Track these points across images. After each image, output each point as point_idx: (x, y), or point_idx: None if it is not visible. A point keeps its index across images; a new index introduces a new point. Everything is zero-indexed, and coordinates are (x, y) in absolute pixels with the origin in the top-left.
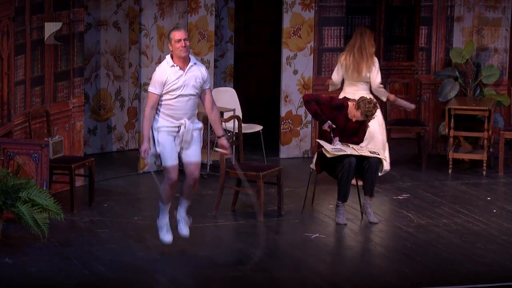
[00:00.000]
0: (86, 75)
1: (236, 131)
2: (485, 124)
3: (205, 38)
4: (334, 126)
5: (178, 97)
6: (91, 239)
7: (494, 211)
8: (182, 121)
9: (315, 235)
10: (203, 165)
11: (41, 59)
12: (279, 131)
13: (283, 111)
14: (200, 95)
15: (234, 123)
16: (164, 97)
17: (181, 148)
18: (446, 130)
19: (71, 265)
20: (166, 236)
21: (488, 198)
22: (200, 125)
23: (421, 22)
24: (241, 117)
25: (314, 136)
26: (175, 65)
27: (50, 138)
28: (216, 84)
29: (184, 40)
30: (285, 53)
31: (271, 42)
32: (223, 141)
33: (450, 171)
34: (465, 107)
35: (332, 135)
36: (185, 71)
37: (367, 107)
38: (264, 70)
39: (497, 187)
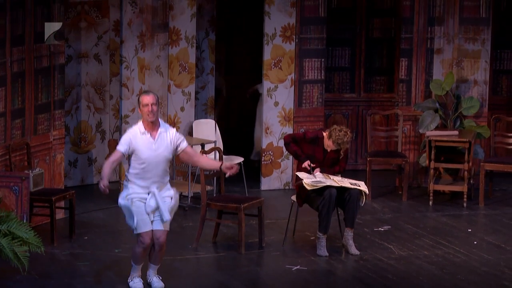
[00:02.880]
0: (67, 107)
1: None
2: (465, 156)
3: (186, 70)
4: (313, 165)
5: (147, 165)
6: (72, 271)
7: (475, 242)
8: (152, 189)
9: (296, 267)
10: (185, 197)
11: (21, 91)
12: (260, 163)
13: (264, 143)
14: (180, 155)
15: (215, 155)
16: (133, 163)
17: (151, 214)
18: (427, 162)
19: None
20: (137, 285)
21: (468, 230)
22: (171, 192)
23: (401, 54)
24: (222, 149)
25: (295, 168)
26: (146, 132)
27: (30, 171)
28: (197, 116)
29: (151, 105)
30: (266, 85)
31: (252, 74)
32: (226, 165)
33: (430, 202)
34: (445, 139)
35: (312, 173)
36: (155, 140)
37: (337, 135)
38: (245, 102)
39: (477, 218)
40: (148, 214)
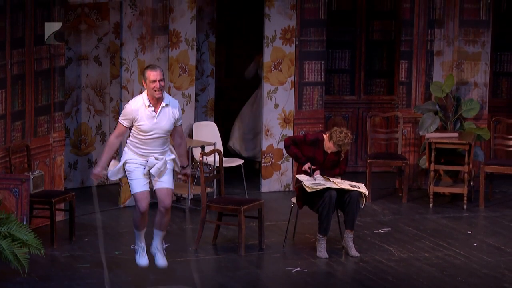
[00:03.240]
0: (67, 110)
1: (217, 165)
2: (465, 158)
3: (186, 72)
4: (314, 167)
5: (148, 137)
6: (72, 274)
7: (475, 244)
8: (151, 158)
9: (296, 269)
10: (184, 199)
11: (21, 93)
12: (260, 165)
13: (264, 145)
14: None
15: (215, 157)
16: (134, 132)
17: (152, 178)
18: (427, 164)
19: None
20: (142, 260)
21: (468, 232)
22: (172, 156)
23: (401, 56)
24: (222, 151)
25: (295, 170)
26: (150, 104)
27: (30, 173)
28: (197, 118)
29: (159, 81)
30: (266, 87)
31: (252, 76)
32: (187, 170)
33: (430, 204)
34: (445, 141)
35: (312, 175)
36: (157, 113)
37: (338, 137)
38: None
39: (477, 220)
40: (144, 176)
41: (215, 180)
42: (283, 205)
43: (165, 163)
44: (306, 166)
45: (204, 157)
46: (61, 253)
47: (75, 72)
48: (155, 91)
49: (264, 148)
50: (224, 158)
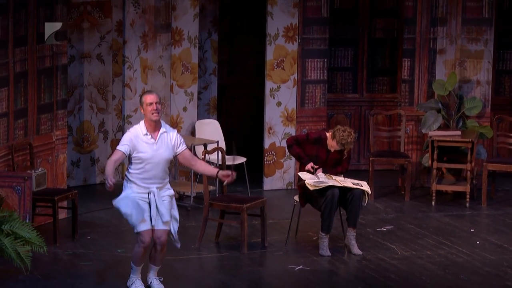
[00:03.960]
0: (70, 108)
1: (220, 163)
2: (468, 156)
3: (189, 70)
4: (316, 167)
5: (147, 166)
6: (74, 272)
7: (478, 242)
8: (152, 189)
9: (298, 267)
10: (187, 197)
11: (24, 91)
12: (262, 163)
13: (267, 143)
14: (178, 157)
15: (218, 155)
16: (134, 163)
17: (151, 213)
18: (429, 162)
19: None
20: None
21: (471, 230)
22: (171, 192)
23: (404, 54)
24: (224, 149)
25: (297, 168)
26: (148, 133)
27: (33, 171)
28: (200, 116)
29: (155, 103)
30: (269, 85)
31: (254, 74)
32: (222, 173)
33: (433, 202)
34: (448, 139)
35: (315, 173)
36: (156, 140)
37: (341, 136)
38: (248, 102)
39: (480, 218)
40: (146, 215)
41: (217, 178)
42: (285, 203)
43: (167, 205)
44: (309, 166)
45: (207, 155)
46: (63, 251)
47: (77, 70)
48: (152, 114)
49: (266, 146)
50: (226, 156)
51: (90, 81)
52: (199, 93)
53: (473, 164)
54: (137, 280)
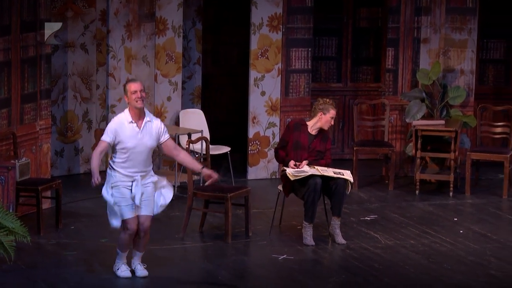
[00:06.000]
0: (53, 97)
1: (204, 152)
2: (451, 145)
3: (173, 60)
4: (299, 163)
5: (131, 154)
6: (58, 261)
7: (461, 232)
8: (136, 177)
9: (282, 257)
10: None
11: (7, 81)
12: (246, 152)
13: (251, 133)
14: (161, 146)
15: (202, 144)
16: (118, 151)
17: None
18: (413, 151)
19: (38, 287)
20: (124, 273)
21: (455, 219)
22: (155, 178)
23: (388, 43)
24: (208, 138)
25: None
26: (132, 121)
27: (16, 160)
28: (184, 106)
29: (140, 91)
30: (253, 74)
31: (238, 63)
32: (207, 171)
33: (417, 192)
34: (432, 128)
35: (298, 167)
36: (141, 129)
37: (323, 101)
38: (232, 92)
39: (463, 208)
40: (133, 200)
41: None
42: (269, 193)
43: (146, 187)
44: (291, 163)
45: (191, 144)
46: (47, 240)
47: (61, 59)
48: (136, 101)
49: (250, 136)
50: (211, 146)
51: (74, 70)
52: (183, 82)
53: (456, 153)
54: (122, 265)
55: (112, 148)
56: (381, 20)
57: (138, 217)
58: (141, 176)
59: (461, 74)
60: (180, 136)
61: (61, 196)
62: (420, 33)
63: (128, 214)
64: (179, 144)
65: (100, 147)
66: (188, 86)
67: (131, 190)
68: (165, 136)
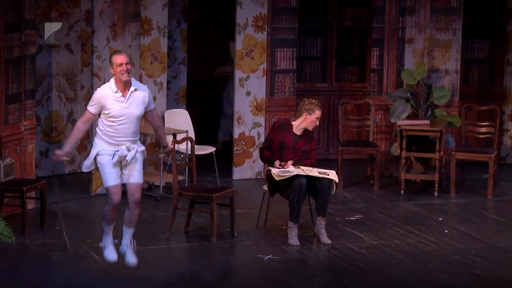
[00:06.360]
0: (38, 97)
1: (189, 152)
2: (436, 145)
3: (158, 60)
4: (284, 163)
5: (118, 124)
6: (43, 262)
7: (446, 231)
8: (123, 146)
9: (268, 257)
10: (156, 187)
11: None
12: (232, 152)
13: (236, 133)
14: (146, 114)
15: (187, 144)
16: (104, 121)
17: (123, 170)
18: (398, 151)
19: None
20: (111, 255)
21: (440, 219)
22: (142, 147)
23: (373, 43)
24: (194, 138)
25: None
26: (118, 90)
27: (1, 161)
28: (169, 106)
29: (126, 64)
30: (238, 74)
31: (224, 63)
32: (168, 148)
33: (402, 192)
34: (417, 128)
35: (283, 167)
36: (126, 98)
37: (309, 101)
38: (217, 92)
39: (448, 207)
40: (119, 169)
41: (187, 168)
42: (255, 193)
43: (135, 154)
44: (276, 163)
45: (176, 144)
46: (32, 241)
47: (46, 59)
48: (122, 74)
49: (236, 136)
50: (196, 146)
51: (59, 70)
52: (168, 82)
53: (441, 153)
54: (110, 245)
55: (99, 117)
56: (366, 20)
57: (127, 187)
58: (127, 146)
59: (445, 74)
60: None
61: (46, 197)
62: (405, 33)
63: (111, 181)
64: None
65: (84, 117)
66: (173, 86)
67: (118, 159)
68: (151, 106)
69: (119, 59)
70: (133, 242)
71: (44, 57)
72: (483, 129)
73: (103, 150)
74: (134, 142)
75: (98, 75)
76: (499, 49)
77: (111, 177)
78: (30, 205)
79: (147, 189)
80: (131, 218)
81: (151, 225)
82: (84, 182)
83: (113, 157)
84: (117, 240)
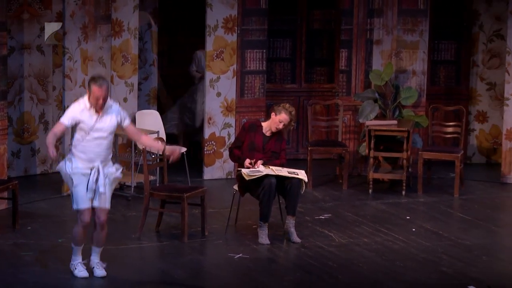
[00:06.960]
0: (10, 99)
1: (160, 153)
2: (404, 145)
3: (129, 61)
4: (254, 160)
5: (91, 139)
6: (15, 261)
7: (413, 229)
8: (95, 164)
9: (238, 256)
10: (128, 187)
11: None
12: (202, 152)
13: (207, 133)
14: (126, 133)
15: None
16: (77, 136)
17: (94, 193)
18: (366, 151)
19: None
20: (81, 273)
21: (407, 217)
22: (113, 169)
23: (341, 45)
24: (165, 139)
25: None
26: (92, 107)
27: None
28: (140, 107)
29: (102, 99)
30: (208, 75)
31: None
32: (169, 148)
33: (370, 191)
34: (384, 128)
35: (254, 167)
36: (100, 115)
37: (288, 107)
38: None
39: (416, 206)
40: (88, 191)
41: (158, 168)
42: (225, 192)
43: (104, 178)
44: (247, 162)
45: (147, 135)
46: (4, 241)
47: (17, 61)
48: (95, 107)
49: (206, 136)
50: (167, 146)
51: (31, 72)
52: (139, 83)
53: (409, 152)
54: (79, 264)
55: (72, 132)
56: (334, 22)
57: (95, 209)
58: (101, 162)
59: (413, 75)
60: None
61: (18, 197)
62: (373, 35)
63: (82, 204)
64: (135, 145)
65: (57, 128)
66: (144, 87)
67: (89, 178)
68: (127, 122)
69: (97, 92)
70: (102, 263)
71: (15, 58)
72: (450, 129)
73: (77, 168)
74: (106, 160)
75: (69, 76)
76: (465, 51)
77: (83, 201)
78: (2, 205)
79: (119, 189)
80: (98, 239)
81: (123, 225)
82: (55, 182)
83: (88, 181)
84: (86, 260)
